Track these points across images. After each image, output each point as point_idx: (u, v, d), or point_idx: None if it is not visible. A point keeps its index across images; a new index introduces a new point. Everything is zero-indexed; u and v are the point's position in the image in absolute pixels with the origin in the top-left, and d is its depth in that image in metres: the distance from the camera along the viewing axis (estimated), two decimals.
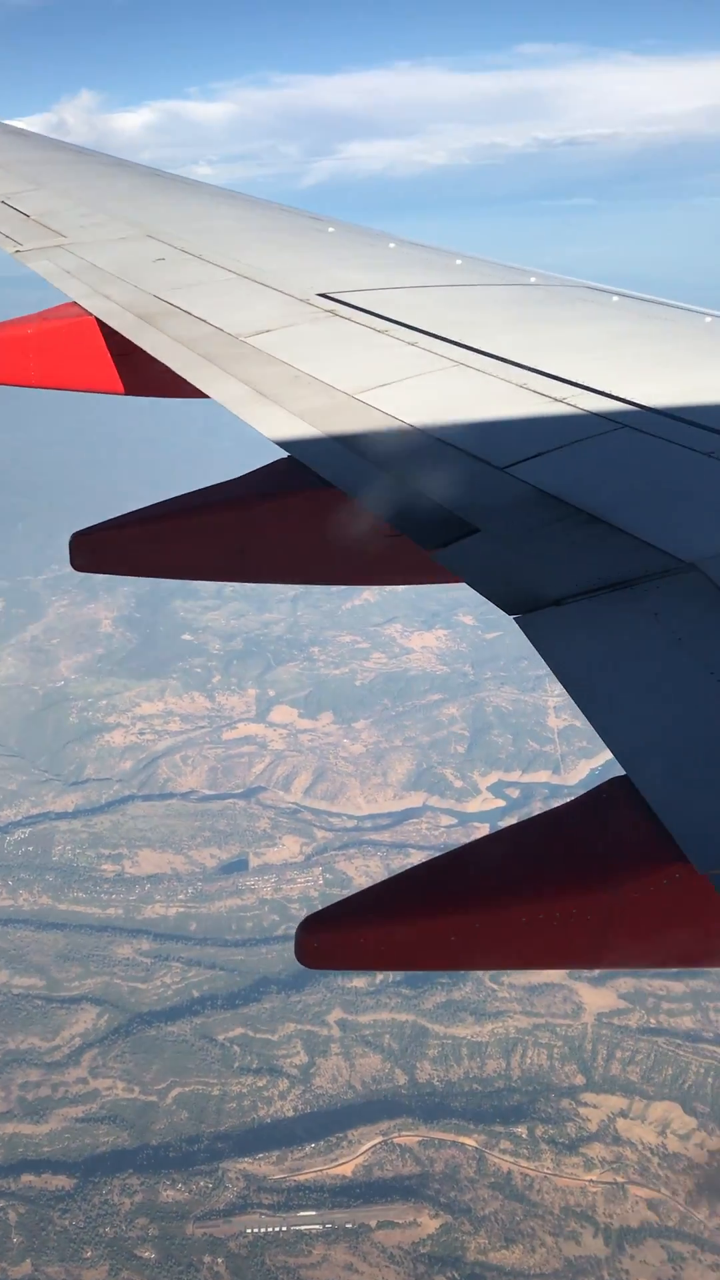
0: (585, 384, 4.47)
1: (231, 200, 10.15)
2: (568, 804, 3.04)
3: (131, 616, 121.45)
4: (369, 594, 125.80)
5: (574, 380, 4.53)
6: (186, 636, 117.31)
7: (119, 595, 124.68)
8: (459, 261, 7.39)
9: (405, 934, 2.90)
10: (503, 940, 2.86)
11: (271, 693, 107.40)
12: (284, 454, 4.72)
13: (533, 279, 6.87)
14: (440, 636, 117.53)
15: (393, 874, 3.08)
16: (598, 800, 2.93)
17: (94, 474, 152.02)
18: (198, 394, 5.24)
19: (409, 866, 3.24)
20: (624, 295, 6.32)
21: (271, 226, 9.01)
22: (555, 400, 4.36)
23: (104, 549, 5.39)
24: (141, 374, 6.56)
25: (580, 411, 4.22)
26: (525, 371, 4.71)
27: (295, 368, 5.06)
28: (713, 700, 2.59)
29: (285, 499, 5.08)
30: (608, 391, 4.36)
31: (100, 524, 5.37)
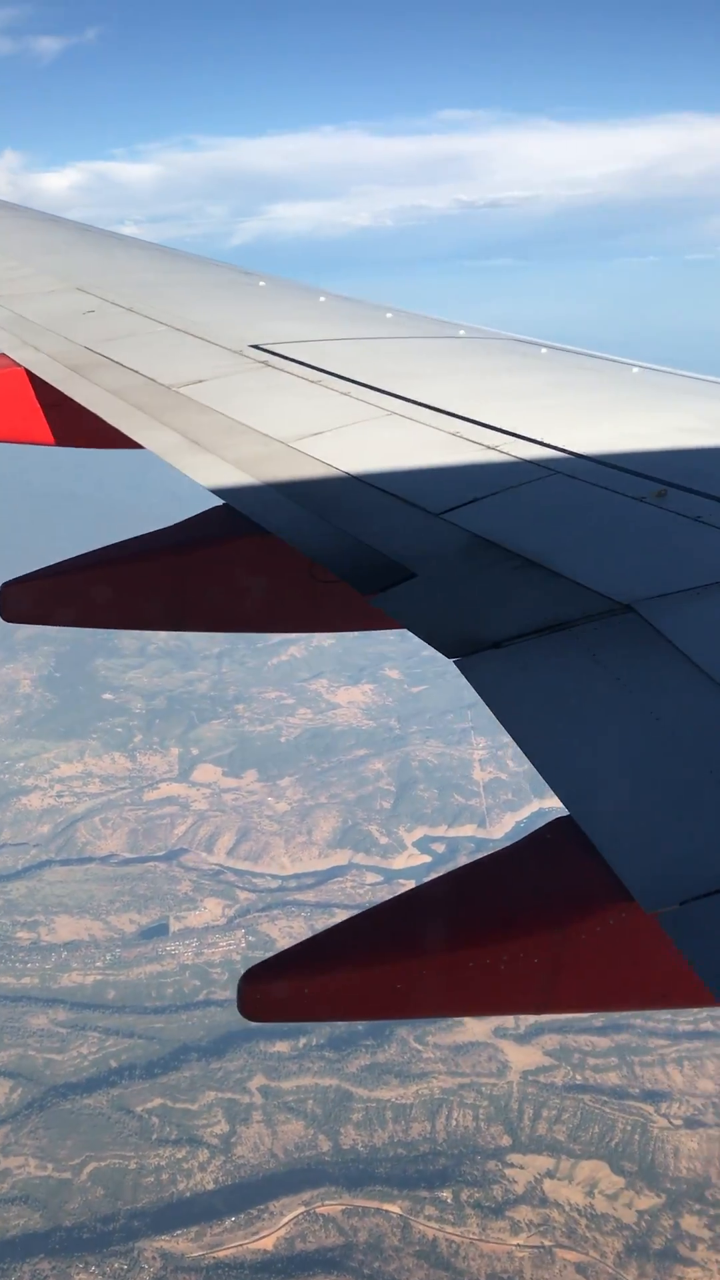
0: (517, 432, 4.54)
1: (162, 254, 10.17)
2: (512, 846, 3.04)
3: (51, 676, 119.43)
4: (295, 649, 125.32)
5: (506, 429, 4.60)
6: (108, 696, 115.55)
7: (39, 655, 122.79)
8: (389, 315, 7.44)
9: (349, 983, 2.87)
10: (449, 986, 2.83)
11: (195, 751, 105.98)
12: (215, 505, 4.71)
13: (462, 331, 6.97)
14: (366, 691, 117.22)
15: (328, 928, 3.03)
16: (542, 841, 2.93)
17: (12, 528, 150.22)
18: (130, 444, 5.19)
19: (343, 920, 3.16)
20: (553, 347, 6.41)
21: (203, 280, 9.01)
22: (488, 448, 4.43)
23: (38, 599, 5.29)
24: (72, 425, 6.48)
25: (513, 459, 4.30)
26: (458, 420, 4.78)
27: (229, 417, 5.07)
28: (653, 739, 2.62)
29: (221, 546, 5.03)
30: (540, 439, 4.43)
31: (33, 573, 5.26)
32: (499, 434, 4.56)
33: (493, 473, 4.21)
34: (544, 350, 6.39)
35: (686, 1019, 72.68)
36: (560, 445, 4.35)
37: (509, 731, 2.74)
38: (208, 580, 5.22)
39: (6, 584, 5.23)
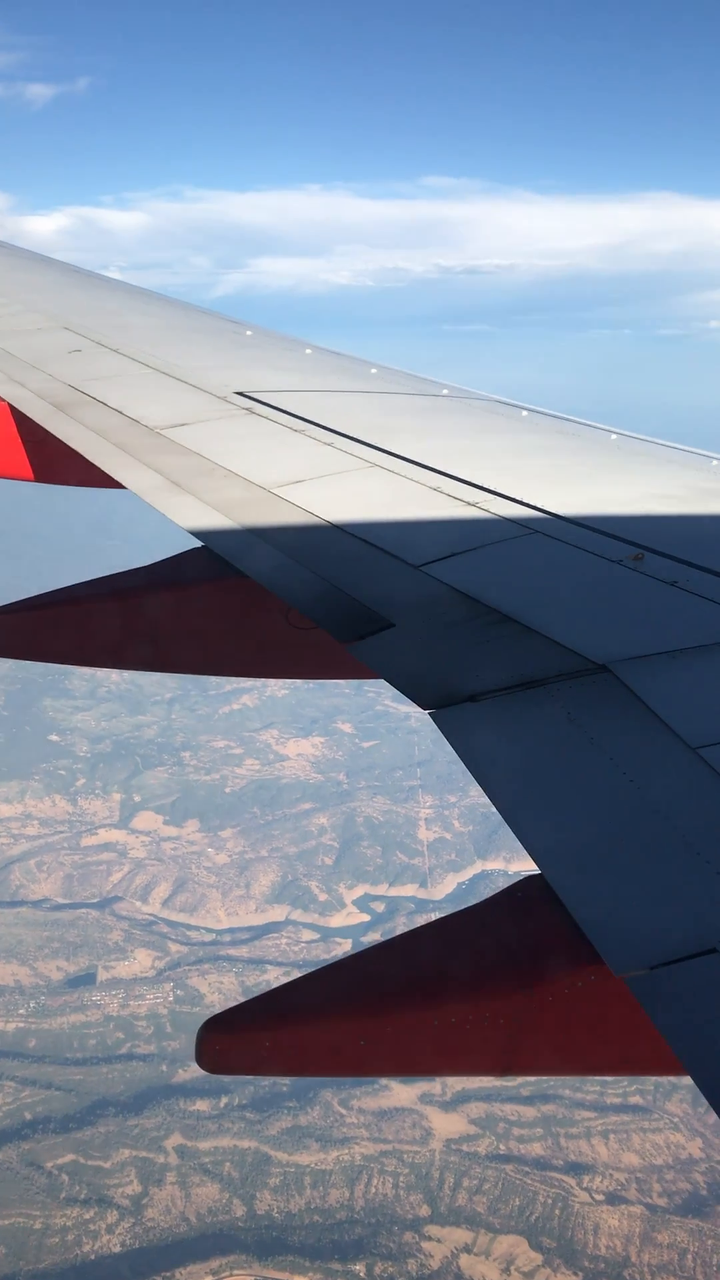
0: (498, 490, 4.55)
1: (150, 299, 10.16)
2: (481, 903, 2.98)
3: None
4: (248, 698, 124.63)
5: (487, 486, 4.62)
6: (54, 737, 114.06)
7: None
8: (374, 370, 7.48)
9: (310, 1038, 2.79)
10: (412, 1045, 2.76)
11: (137, 798, 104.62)
12: (194, 546, 4.67)
13: (445, 391, 7.02)
14: (316, 744, 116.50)
15: (290, 980, 2.97)
16: (512, 899, 2.86)
17: None
18: (110, 483, 5.16)
19: (306, 973, 3.07)
20: (533, 410, 6.46)
21: (190, 326, 9.01)
22: (468, 504, 4.45)
23: (11, 632, 5.21)
24: (54, 462, 6.45)
25: (493, 516, 4.31)
26: (439, 476, 4.79)
27: (211, 461, 5.06)
28: (625, 800, 2.58)
29: (198, 587, 4.98)
30: (520, 499, 4.45)
31: (6, 606, 5.18)
32: (479, 491, 4.59)
33: (473, 528, 4.23)
34: (525, 413, 6.45)
35: (615, 1092, 71.95)
36: (540, 505, 4.37)
37: (481, 785, 2.73)
38: (183, 621, 5.19)
39: None
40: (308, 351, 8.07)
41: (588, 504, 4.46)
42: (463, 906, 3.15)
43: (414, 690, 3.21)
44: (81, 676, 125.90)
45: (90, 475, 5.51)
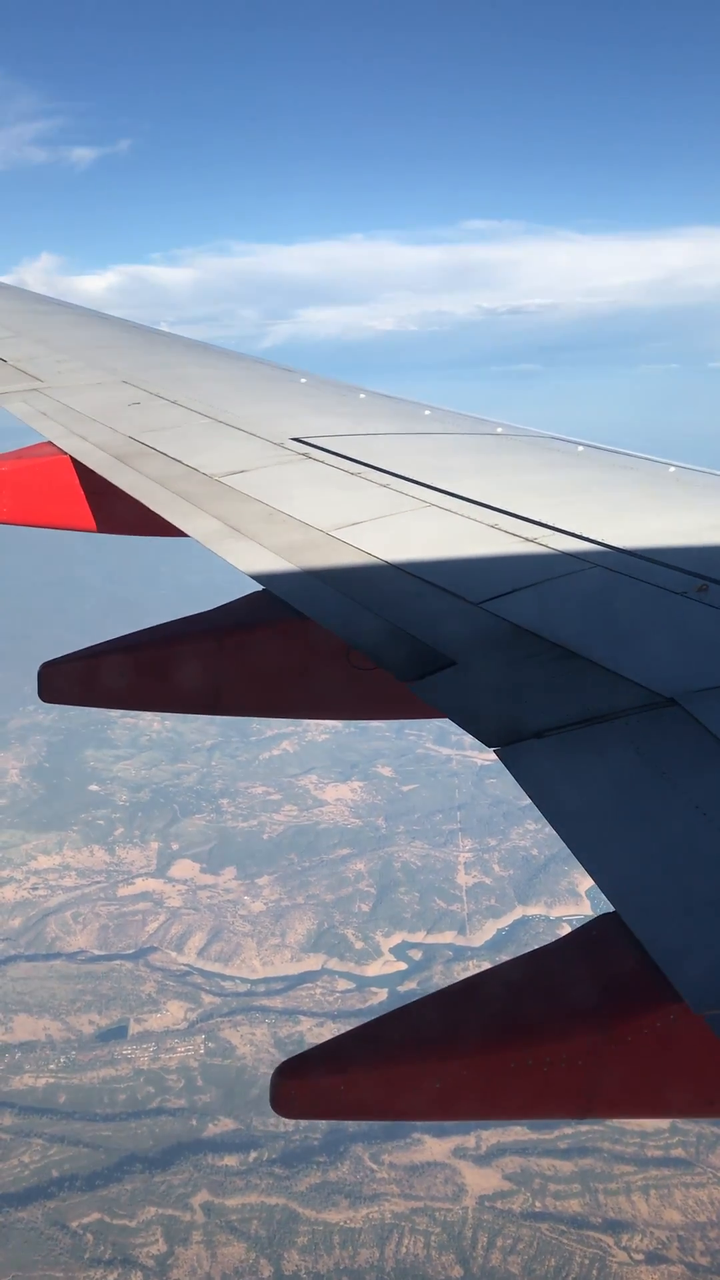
0: (556, 526, 4.54)
1: (205, 351, 10.43)
2: (556, 942, 2.96)
3: (41, 766, 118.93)
4: (288, 744, 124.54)
5: (545, 522, 4.60)
6: (94, 787, 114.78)
7: (30, 744, 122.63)
8: (427, 412, 7.56)
9: (383, 1082, 2.77)
10: (489, 1087, 2.72)
11: (175, 846, 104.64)
12: (255, 590, 4.77)
13: (499, 429, 7.04)
14: (355, 789, 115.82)
15: (365, 1023, 2.93)
16: (587, 938, 2.84)
17: (21, 616, 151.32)
18: (171, 531, 5.27)
19: (380, 1016, 3.01)
20: (589, 445, 6.45)
21: (245, 376, 9.22)
22: (527, 540, 4.43)
23: (77, 679, 5.28)
24: (115, 512, 6.52)
25: (552, 551, 4.29)
26: (496, 513, 4.79)
27: (270, 506, 5.12)
28: (700, 835, 2.57)
29: (261, 630, 5.03)
30: (578, 533, 4.42)
31: (71, 654, 5.28)
32: (538, 527, 4.56)
33: (532, 564, 4.21)
34: (580, 449, 6.43)
35: (656, 1144, 69.83)
36: (599, 539, 4.34)
37: (551, 823, 2.72)
38: (246, 664, 5.21)
39: (45, 664, 5.24)
40: (361, 396, 8.17)
41: (649, 536, 4.42)
42: (534, 948, 3.12)
43: (479, 728, 3.18)
44: (124, 726, 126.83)
45: (151, 524, 5.57)
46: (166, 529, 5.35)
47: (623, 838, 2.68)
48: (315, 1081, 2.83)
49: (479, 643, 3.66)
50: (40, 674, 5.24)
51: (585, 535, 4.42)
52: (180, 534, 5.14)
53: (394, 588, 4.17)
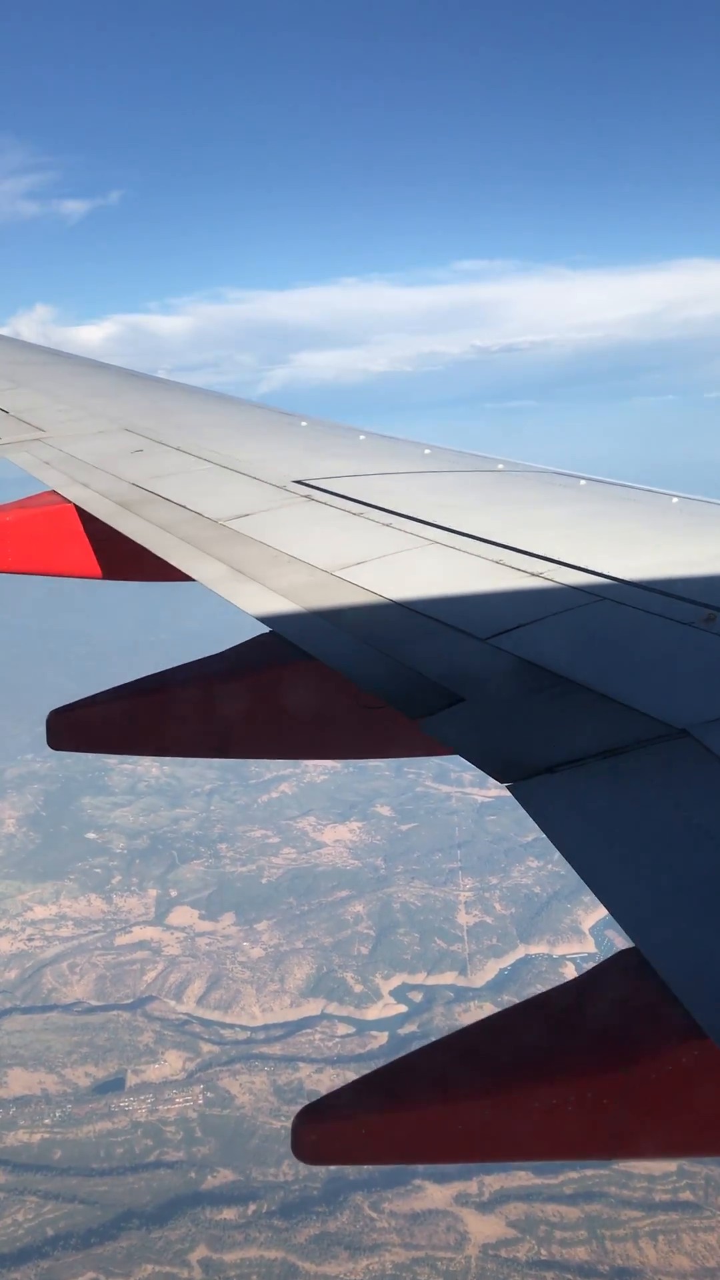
0: (561, 559, 4.53)
1: (206, 397, 10.53)
2: (576, 979, 2.94)
3: (38, 815, 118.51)
4: (286, 786, 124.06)
5: (549, 556, 4.59)
6: (91, 835, 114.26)
7: (27, 793, 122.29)
8: (427, 451, 7.58)
9: (409, 1124, 2.75)
10: (512, 1129, 2.69)
11: (173, 893, 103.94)
12: (262, 633, 4.78)
13: (500, 466, 7.05)
14: (354, 829, 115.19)
15: (386, 1064, 2.89)
16: (607, 974, 2.82)
17: (8, 668, 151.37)
18: (177, 576, 5.28)
19: (402, 1056, 2.98)
20: (591, 479, 6.46)
21: (246, 421, 9.28)
22: (532, 575, 4.43)
23: (83, 727, 5.30)
24: (120, 558, 6.58)
25: (558, 585, 4.29)
26: (500, 549, 4.79)
27: (274, 548, 5.14)
28: (717, 866, 2.55)
29: (269, 673, 5.03)
30: (584, 566, 4.41)
31: (79, 701, 5.27)
32: (543, 561, 4.55)
33: (539, 598, 4.20)
34: (582, 482, 6.43)
35: (664, 1188, 68.58)
36: (605, 572, 4.34)
37: (567, 859, 2.68)
38: (255, 707, 5.19)
39: (54, 712, 5.21)
40: (361, 438, 8.21)
41: (654, 568, 4.41)
42: (554, 985, 3.08)
43: (490, 764, 3.14)
44: (121, 772, 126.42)
45: (156, 570, 5.57)
46: (172, 574, 5.36)
47: (639, 871, 2.65)
48: (336, 1126, 2.79)
49: (488, 678, 3.65)
50: (49, 722, 5.21)
51: (591, 568, 4.41)
52: (186, 578, 5.18)
53: (400, 626, 4.17)
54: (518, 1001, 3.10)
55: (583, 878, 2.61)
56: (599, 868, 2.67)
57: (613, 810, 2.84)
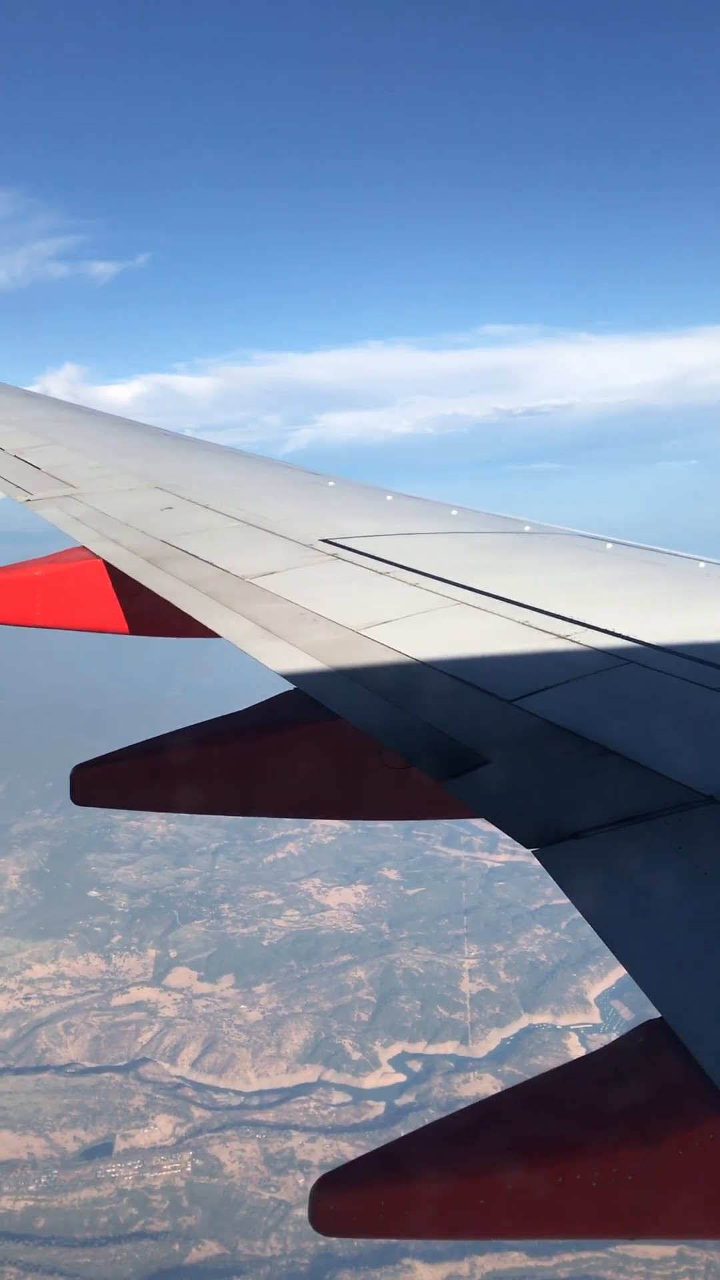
0: (587, 622, 4.53)
1: (235, 456, 10.67)
2: (601, 1050, 2.87)
3: (41, 872, 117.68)
4: (293, 846, 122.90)
5: (576, 618, 4.59)
6: (93, 893, 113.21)
7: (33, 849, 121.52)
8: (454, 512, 7.62)
9: (425, 1198, 2.67)
10: (537, 1204, 2.61)
11: (173, 953, 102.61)
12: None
13: (527, 527, 7.10)
14: (359, 892, 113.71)
15: (406, 1134, 2.84)
16: (632, 1046, 2.74)
17: (30, 719, 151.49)
18: (203, 633, 5.32)
19: (422, 1127, 2.89)
20: (617, 542, 6.48)
21: (274, 480, 9.35)
22: (559, 637, 4.43)
23: (106, 783, 5.33)
24: (148, 614, 6.62)
25: (584, 648, 4.28)
26: (526, 610, 4.78)
27: (300, 606, 5.15)
28: None
29: (293, 730, 5.03)
30: (610, 629, 4.41)
31: (105, 756, 5.31)
32: (569, 624, 4.54)
33: (565, 661, 4.18)
34: (609, 545, 6.44)
35: (662, 1272, 66.27)
36: (632, 635, 4.33)
37: (593, 926, 2.64)
38: (279, 765, 5.20)
39: (77, 767, 5.24)
40: (388, 498, 8.25)
41: (681, 632, 4.40)
42: (577, 1056, 3.03)
43: (515, 828, 3.12)
44: (127, 829, 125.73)
45: (182, 626, 5.64)
46: (198, 630, 5.38)
47: (666, 940, 2.61)
48: (357, 1197, 2.70)
49: (513, 741, 3.61)
50: (73, 777, 5.23)
51: (618, 631, 4.39)
52: (212, 635, 5.19)
53: (426, 686, 4.14)
54: (541, 1071, 3.01)
55: (608, 946, 2.59)
56: (625, 936, 2.64)
57: (639, 878, 2.81)
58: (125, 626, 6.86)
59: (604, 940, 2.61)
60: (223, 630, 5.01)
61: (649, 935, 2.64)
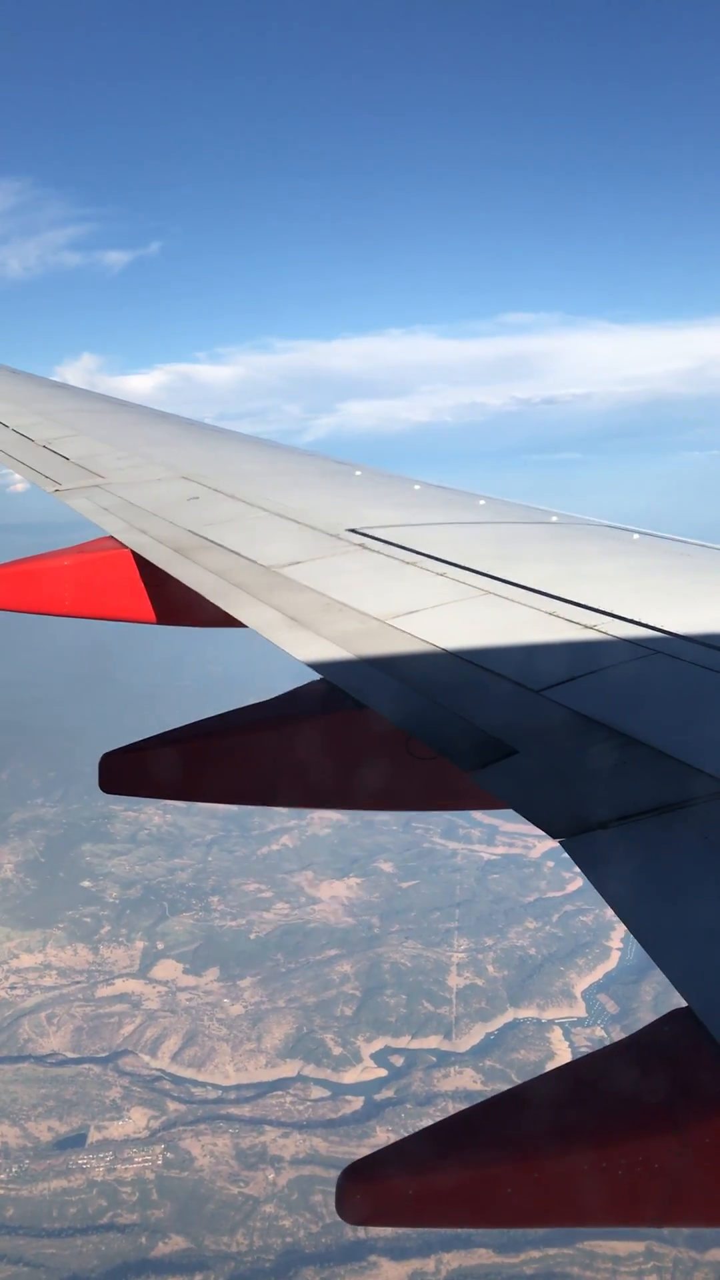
0: (615, 612, 4.53)
1: (261, 446, 10.68)
2: (627, 1039, 2.91)
3: (36, 862, 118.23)
4: (288, 838, 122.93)
5: (603, 609, 4.58)
6: (86, 883, 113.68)
7: (29, 839, 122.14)
8: (481, 502, 7.61)
9: (452, 1187, 2.70)
10: (563, 1193, 2.64)
11: (160, 945, 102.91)
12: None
13: (554, 518, 7.07)
14: (352, 885, 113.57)
15: (435, 1123, 2.86)
16: (659, 1035, 2.79)
17: (36, 709, 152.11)
18: (229, 623, 5.32)
19: (450, 1115, 2.93)
20: (645, 533, 6.49)
21: (300, 469, 9.38)
22: (586, 627, 4.41)
23: (134, 771, 5.36)
24: (175, 604, 6.72)
25: (612, 638, 4.27)
26: (554, 600, 4.77)
27: (327, 595, 5.16)
28: None
29: (321, 720, 5.07)
30: (638, 620, 4.40)
31: (133, 744, 5.34)
32: (596, 614, 4.53)
33: (593, 651, 4.18)
34: (636, 536, 6.44)
35: (629, 1269, 65.96)
36: (660, 626, 4.32)
37: (619, 916, 2.67)
38: (306, 754, 5.22)
39: (106, 755, 5.29)
40: (416, 488, 8.24)
41: (710, 623, 4.37)
42: (604, 1045, 3.00)
43: (542, 818, 3.12)
44: (124, 820, 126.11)
45: (209, 615, 5.63)
46: (224, 620, 5.38)
47: (694, 931, 2.60)
48: (384, 1185, 2.72)
49: (541, 731, 3.59)
50: (102, 765, 5.26)
51: (646, 622, 4.37)
52: (238, 624, 5.19)
53: (453, 675, 4.12)
54: (566, 1061, 3.03)
55: (635, 936, 2.59)
56: (652, 926, 2.64)
57: (666, 869, 2.81)
58: (153, 616, 6.89)
59: (629, 929, 2.61)
60: (250, 620, 4.99)
61: (675, 925, 2.64)
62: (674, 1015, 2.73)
